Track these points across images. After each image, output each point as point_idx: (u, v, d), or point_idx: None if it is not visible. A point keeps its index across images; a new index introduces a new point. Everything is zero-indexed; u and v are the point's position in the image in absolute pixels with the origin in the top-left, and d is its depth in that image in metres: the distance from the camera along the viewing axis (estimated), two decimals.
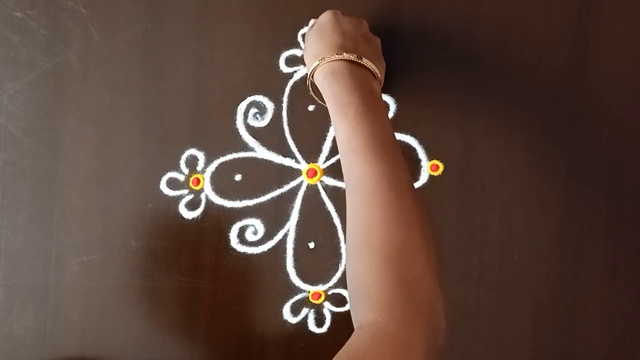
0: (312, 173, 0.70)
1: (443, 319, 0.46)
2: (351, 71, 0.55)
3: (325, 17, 0.61)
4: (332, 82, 0.55)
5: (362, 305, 0.46)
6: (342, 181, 0.69)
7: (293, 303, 0.71)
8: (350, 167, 0.51)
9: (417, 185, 0.68)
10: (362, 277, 0.46)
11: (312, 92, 0.63)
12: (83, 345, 0.73)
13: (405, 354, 0.42)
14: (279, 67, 0.70)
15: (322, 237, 0.70)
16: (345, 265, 0.70)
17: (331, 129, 0.70)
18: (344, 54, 0.56)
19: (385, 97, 0.69)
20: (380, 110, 0.54)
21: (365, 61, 0.56)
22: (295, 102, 0.70)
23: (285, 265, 0.70)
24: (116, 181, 0.72)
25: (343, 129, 0.52)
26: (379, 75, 0.58)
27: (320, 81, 0.57)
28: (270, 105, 0.70)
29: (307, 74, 0.61)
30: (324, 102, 0.58)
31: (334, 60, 0.56)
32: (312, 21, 0.66)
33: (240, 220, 0.71)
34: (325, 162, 0.70)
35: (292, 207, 0.70)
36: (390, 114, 0.69)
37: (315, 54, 0.58)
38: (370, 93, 0.54)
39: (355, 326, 0.46)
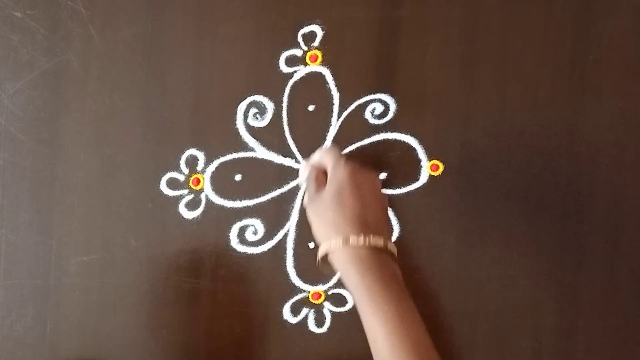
0: None
1: None
2: (380, 259, 0.51)
3: (344, 174, 0.54)
4: (364, 273, 0.50)
5: None
6: None
7: (293, 303, 0.71)
8: None
9: (417, 185, 0.69)
10: None
11: (321, 265, 0.56)
12: (83, 345, 0.73)
13: None
14: (279, 67, 0.70)
15: None
16: None
17: (331, 129, 0.70)
18: (371, 237, 0.51)
19: (385, 97, 0.69)
20: (412, 304, 0.50)
21: (390, 246, 0.52)
22: (295, 102, 0.70)
23: (285, 265, 0.70)
24: (116, 181, 0.72)
25: (384, 334, 0.48)
26: (396, 256, 0.53)
27: (343, 265, 0.51)
28: (270, 105, 0.70)
29: (319, 248, 0.54)
30: (339, 278, 0.55)
31: (361, 244, 0.51)
32: (308, 165, 0.62)
33: (240, 220, 0.71)
34: None
35: (292, 207, 0.70)
36: (390, 114, 0.69)
37: (335, 226, 0.52)
38: (400, 286, 0.51)
39: None
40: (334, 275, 0.57)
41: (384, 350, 0.48)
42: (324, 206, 0.54)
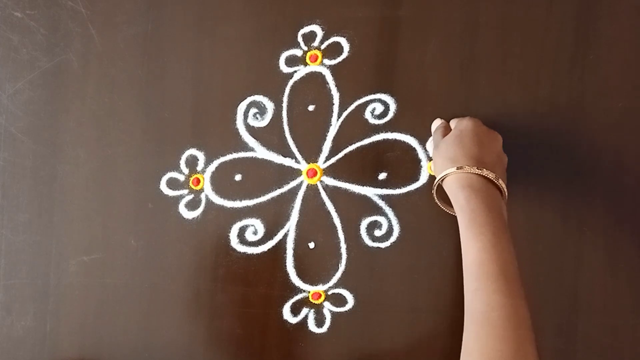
0: (312, 173, 0.70)
1: None
2: (488, 189, 0.55)
3: (467, 123, 0.60)
4: (470, 196, 0.54)
5: None
6: (342, 181, 0.69)
7: (293, 303, 0.71)
8: (478, 291, 0.50)
9: (417, 185, 0.69)
10: None
11: (435, 194, 0.61)
12: (83, 345, 0.73)
13: None
14: (279, 67, 0.70)
15: (322, 237, 0.70)
16: (345, 265, 0.70)
17: (331, 129, 0.70)
18: (484, 170, 0.55)
19: (385, 97, 0.69)
20: (510, 238, 0.53)
21: (500, 183, 0.56)
22: (295, 102, 0.70)
23: (285, 265, 0.70)
24: (116, 181, 0.72)
25: (477, 250, 0.51)
26: (506, 197, 0.58)
27: (454, 190, 0.56)
28: (270, 105, 0.70)
29: (435, 176, 0.60)
30: (448, 209, 0.60)
31: (473, 173, 0.55)
32: (439, 120, 0.66)
33: (240, 220, 0.71)
34: (325, 162, 0.70)
35: (292, 207, 0.70)
36: (390, 114, 0.69)
37: (453, 159, 0.57)
38: (503, 217, 0.54)
39: None
40: (444, 208, 0.62)
41: (472, 265, 0.51)
42: (445, 145, 0.59)
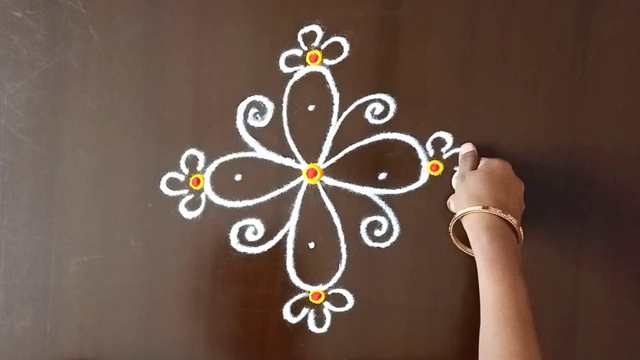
0: (312, 173, 0.70)
1: None
2: (509, 234, 0.57)
3: (499, 165, 0.61)
4: (493, 239, 0.56)
5: None
6: (342, 181, 0.69)
7: (293, 303, 0.71)
8: (498, 335, 0.52)
9: (417, 185, 0.69)
10: None
11: (451, 230, 0.63)
12: (83, 345, 0.73)
13: None
14: (279, 67, 0.70)
15: (322, 237, 0.70)
16: (345, 265, 0.70)
17: (331, 129, 0.70)
18: (509, 215, 0.57)
19: (385, 97, 0.69)
20: (527, 283, 0.55)
21: (520, 230, 0.58)
22: (295, 102, 0.70)
23: (285, 265, 0.70)
24: (116, 181, 0.72)
25: (498, 293, 0.53)
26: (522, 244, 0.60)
27: (476, 229, 0.57)
28: (270, 105, 0.70)
29: (456, 212, 0.61)
30: (460, 244, 0.62)
31: (497, 215, 0.57)
32: (469, 146, 0.66)
33: (240, 220, 0.71)
34: (325, 162, 0.70)
35: (292, 207, 0.70)
36: (390, 114, 0.69)
37: (479, 197, 0.58)
38: (519, 262, 0.56)
39: None
40: (461, 247, 0.64)
41: (493, 309, 0.53)
42: (474, 181, 0.60)
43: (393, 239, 0.69)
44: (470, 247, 0.60)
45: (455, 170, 0.68)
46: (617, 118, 0.66)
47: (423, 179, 0.69)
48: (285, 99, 0.70)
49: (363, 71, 0.69)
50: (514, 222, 0.57)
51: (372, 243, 0.69)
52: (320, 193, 0.70)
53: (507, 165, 0.62)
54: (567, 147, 0.67)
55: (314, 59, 0.70)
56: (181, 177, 0.71)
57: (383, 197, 0.69)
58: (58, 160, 0.73)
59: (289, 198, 0.70)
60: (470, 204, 0.59)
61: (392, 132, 0.69)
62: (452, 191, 0.67)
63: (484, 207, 0.57)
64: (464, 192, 0.60)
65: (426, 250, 0.68)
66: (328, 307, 0.70)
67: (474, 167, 0.64)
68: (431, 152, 0.68)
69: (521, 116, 0.67)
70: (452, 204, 0.65)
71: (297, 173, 0.70)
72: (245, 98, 0.71)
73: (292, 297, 0.71)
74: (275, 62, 0.70)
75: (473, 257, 0.58)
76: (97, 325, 0.73)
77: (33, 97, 0.73)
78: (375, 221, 0.69)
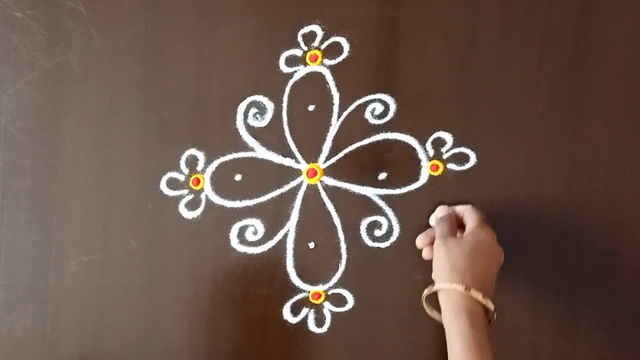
0: (312, 173, 0.70)
1: None
2: (485, 320, 0.57)
3: (486, 238, 0.60)
4: (473, 324, 0.56)
5: None
6: (342, 181, 0.69)
7: (293, 303, 0.71)
8: None
9: (417, 185, 0.69)
10: None
11: (425, 298, 0.61)
12: (83, 345, 0.73)
13: None
14: (279, 67, 0.70)
15: (322, 237, 0.70)
16: (345, 265, 0.70)
17: (331, 129, 0.70)
18: (489, 302, 0.57)
19: (385, 97, 0.69)
20: None
21: (494, 316, 0.58)
22: (295, 102, 0.70)
23: (285, 265, 0.70)
24: (116, 181, 0.72)
25: None
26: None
27: (456, 310, 0.57)
28: (270, 105, 0.70)
29: (435, 279, 0.60)
30: (432, 312, 0.61)
31: (477, 300, 0.57)
32: (444, 209, 0.66)
33: (240, 220, 0.71)
34: (325, 162, 0.70)
35: (292, 207, 0.70)
36: (390, 114, 0.69)
37: (462, 274, 0.57)
38: (490, 346, 0.56)
39: None
40: (432, 315, 0.62)
41: None
42: (458, 252, 0.59)
43: (393, 239, 0.69)
44: (439, 311, 0.59)
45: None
46: (617, 118, 0.66)
47: (423, 179, 0.69)
48: (285, 99, 0.70)
49: (363, 71, 0.69)
50: (491, 309, 0.57)
51: (372, 243, 0.69)
52: (320, 193, 0.70)
53: (492, 235, 0.61)
54: (566, 147, 0.67)
55: (314, 59, 0.70)
56: (181, 177, 0.71)
57: (383, 197, 0.69)
58: (58, 160, 0.73)
59: (289, 198, 0.70)
60: (452, 279, 0.57)
61: (392, 132, 0.69)
62: (452, 192, 0.67)
63: (466, 289, 0.56)
64: (446, 263, 0.59)
65: None
66: (328, 307, 0.70)
67: (453, 231, 0.63)
68: (431, 152, 0.68)
69: (521, 116, 0.67)
70: (426, 250, 0.65)
71: (297, 173, 0.70)
72: (245, 98, 0.71)
73: (292, 297, 0.71)
74: (275, 62, 0.70)
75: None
76: (97, 325, 0.73)
77: (33, 97, 0.73)
78: (375, 221, 0.69)
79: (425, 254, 0.65)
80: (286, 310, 0.71)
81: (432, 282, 0.60)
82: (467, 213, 0.64)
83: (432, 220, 0.67)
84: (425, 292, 0.61)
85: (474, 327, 0.55)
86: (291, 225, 0.70)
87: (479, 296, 0.56)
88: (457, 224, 0.64)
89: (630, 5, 0.66)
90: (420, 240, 0.65)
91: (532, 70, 0.67)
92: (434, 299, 0.60)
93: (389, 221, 0.69)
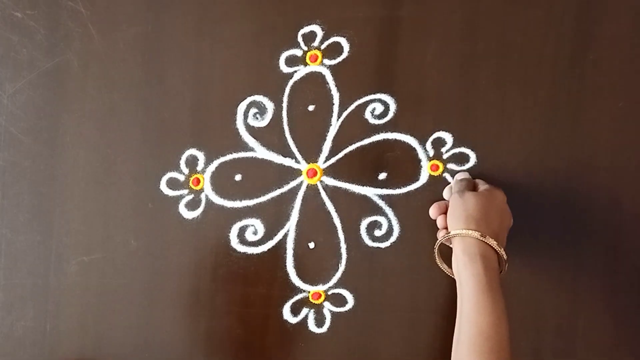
0: (312, 173, 0.70)
1: None
2: (497, 267, 0.58)
3: (499, 194, 0.62)
4: (488, 267, 0.57)
5: None
6: (342, 181, 0.69)
7: (293, 303, 0.71)
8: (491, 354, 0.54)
9: (417, 185, 0.69)
10: None
11: (438, 248, 0.63)
12: (83, 345, 0.73)
13: None
14: (279, 67, 0.70)
15: (322, 237, 0.70)
16: (345, 265, 0.70)
17: (331, 129, 0.70)
18: (502, 250, 0.58)
19: (385, 97, 0.69)
20: (504, 310, 0.57)
21: (505, 266, 0.59)
22: (295, 102, 0.70)
23: (285, 265, 0.70)
24: (116, 181, 0.72)
25: (486, 324, 0.55)
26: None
27: (471, 253, 0.58)
28: (270, 105, 0.70)
29: (451, 229, 0.61)
30: (445, 266, 0.63)
31: (491, 246, 0.58)
32: (465, 173, 0.67)
33: (240, 220, 0.71)
34: (325, 162, 0.70)
35: (292, 207, 0.70)
36: (390, 114, 0.69)
37: (477, 222, 0.59)
38: (501, 292, 0.58)
39: None
40: (442, 267, 0.64)
41: (478, 338, 0.55)
42: (474, 202, 0.60)
43: (393, 239, 0.69)
44: (449, 264, 0.61)
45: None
46: (617, 118, 0.66)
47: (423, 179, 0.69)
48: (285, 99, 0.70)
49: (363, 71, 0.69)
50: (504, 257, 0.58)
51: (372, 243, 0.69)
52: (320, 193, 0.70)
53: (505, 196, 0.62)
54: (566, 147, 0.67)
55: (314, 59, 0.70)
56: (181, 177, 0.71)
57: (383, 197, 0.69)
58: (58, 160, 0.73)
59: (289, 198, 0.70)
60: (468, 226, 0.58)
61: (392, 132, 0.69)
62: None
63: (482, 235, 0.57)
64: (462, 211, 0.60)
65: (426, 251, 0.68)
66: (328, 307, 0.70)
67: (471, 189, 0.64)
68: (431, 152, 0.68)
69: (521, 116, 0.67)
70: (440, 218, 0.65)
71: (297, 173, 0.70)
72: (245, 98, 0.71)
73: (292, 297, 0.71)
74: (275, 62, 0.70)
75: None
76: (97, 325, 0.73)
77: (33, 97, 0.73)
78: (375, 221, 0.69)
79: (440, 222, 0.65)
80: (286, 310, 0.71)
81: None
82: (481, 183, 0.65)
83: (446, 193, 0.67)
84: (440, 238, 0.62)
85: (488, 270, 0.56)
86: (291, 225, 0.70)
87: (494, 243, 0.57)
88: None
89: (630, 5, 0.66)
90: (433, 210, 0.66)
91: (532, 70, 0.67)
92: (445, 253, 0.61)
93: (389, 221, 0.69)
